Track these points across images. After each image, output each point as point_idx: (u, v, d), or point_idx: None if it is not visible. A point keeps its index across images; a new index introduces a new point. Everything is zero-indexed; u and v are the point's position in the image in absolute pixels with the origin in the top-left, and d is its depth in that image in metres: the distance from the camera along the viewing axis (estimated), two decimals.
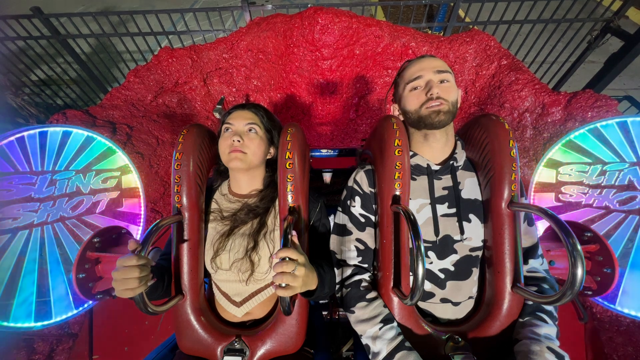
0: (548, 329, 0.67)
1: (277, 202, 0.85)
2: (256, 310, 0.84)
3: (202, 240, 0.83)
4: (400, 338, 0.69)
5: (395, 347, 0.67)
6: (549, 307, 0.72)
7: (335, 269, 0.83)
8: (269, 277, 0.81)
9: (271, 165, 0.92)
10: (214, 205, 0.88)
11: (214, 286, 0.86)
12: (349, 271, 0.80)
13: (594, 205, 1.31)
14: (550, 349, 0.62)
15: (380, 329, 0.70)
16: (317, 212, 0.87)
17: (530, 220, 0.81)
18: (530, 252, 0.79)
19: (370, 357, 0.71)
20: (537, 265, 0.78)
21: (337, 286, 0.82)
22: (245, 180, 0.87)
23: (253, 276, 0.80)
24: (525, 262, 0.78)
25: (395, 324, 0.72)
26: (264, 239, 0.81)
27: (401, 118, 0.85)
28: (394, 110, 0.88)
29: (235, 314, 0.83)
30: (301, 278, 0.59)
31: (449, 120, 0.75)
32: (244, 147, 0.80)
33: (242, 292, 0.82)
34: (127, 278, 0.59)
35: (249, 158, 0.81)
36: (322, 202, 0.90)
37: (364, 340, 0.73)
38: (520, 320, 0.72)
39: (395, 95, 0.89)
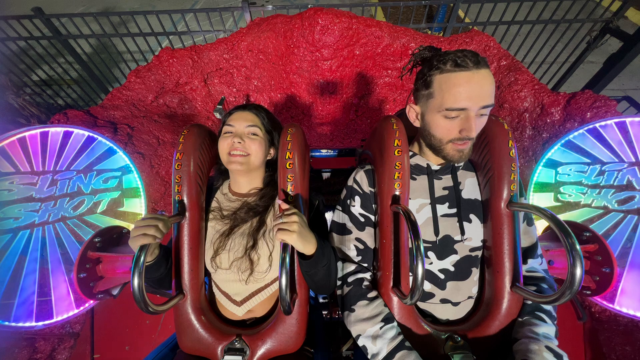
0: (547, 329, 0.68)
1: (276, 201, 0.86)
2: (257, 309, 0.84)
3: (203, 240, 0.84)
4: (401, 337, 0.69)
5: (396, 346, 0.67)
6: (548, 307, 0.72)
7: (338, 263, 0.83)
8: (268, 276, 0.82)
9: (271, 165, 0.92)
10: (214, 204, 0.88)
11: (214, 286, 0.87)
12: (350, 268, 0.80)
13: (593, 205, 1.31)
14: (548, 347, 0.63)
15: (381, 328, 0.70)
16: (314, 210, 0.87)
17: (530, 221, 0.81)
18: (529, 252, 0.79)
19: (369, 357, 0.71)
20: (536, 265, 0.79)
21: (339, 282, 0.81)
22: (245, 181, 0.88)
23: (252, 276, 0.80)
24: (525, 262, 0.78)
25: (395, 323, 0.72)
26: (263, 237, 0.82)
27: (416, 124, 0.78)
28: (411, 111, 0.77)
29: (236, 312, 0.83)
30: (297, 224, 0.64)
31: (468, 158, 0.73)
32: (245, 148, 0.81)
33: (242, 291, 0.82)
34: (148, 225, 0.65)
35: (250, 160, 0.82)
36: (321, 200, 0.90)
37: (362, 341, 0.71)
38: (520, 319, 0.72)
39: (419, 95, 0.74)
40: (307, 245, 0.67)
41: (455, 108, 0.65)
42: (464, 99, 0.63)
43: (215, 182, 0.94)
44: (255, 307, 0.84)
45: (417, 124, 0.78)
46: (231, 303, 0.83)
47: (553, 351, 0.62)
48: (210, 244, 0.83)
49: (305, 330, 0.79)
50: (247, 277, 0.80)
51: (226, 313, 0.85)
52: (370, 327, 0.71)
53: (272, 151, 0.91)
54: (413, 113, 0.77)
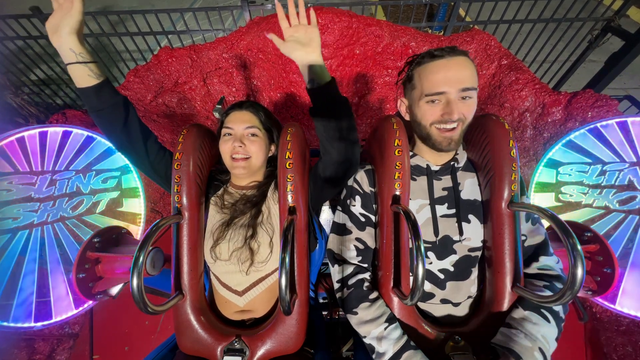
0: (548, 330, 0.65)
1: (270, 192, 0.88)
2: (257, 307, 0.84)
3: (202, 240, 0.83)
4: (406, 338, 0.69)
5: (402, 347, 0.68)
6: (557, 307, 0.68)
7: (336, 265, 0.83)
8: (269, 265, 0.82)
9: (272, 161, 0.94)
10: (216, 194, 0.89)
11: (214, 280, 0.86)
12: (350, 269, 0.80)
13: (594, 205, 1.31)
14: (541, 350, 0.61)
15: (385, 329, 0.70)
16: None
17: (534, 220, 0.80)
18: (541, 249, 0.76)
19: (374, 357, 0.71)
20: (551, 262, 0.75)
21: (338, 285, 0.82)
22: (246, 179, 0.90)
23: (253, 266, 0.81)
24: (536, 259, 0.75)
25: (398, 323, 0.72)
26: (262, 225, 0.83)
27: (407, 117, 0.82)
28: (401, 105, 0.82)
29: (237, 303, 0.82)
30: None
31: (458, 146, 0.73)
32: (246, 151, 0.82)
33: (244, 281, 0.82)
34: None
35: (253, 162, 0.84)
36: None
37: (368, 341, 0.72)
38: (522, 310, 0.68)
39: (406, 89, 0.80)
40: (313, 52, 0.68)
41: (434, 92, 0.69)
42: (441, 83, 0.68)
43: (224, 176, 0.94)
44: (256, 304, 0.83)
45: (407, 117, 0.81)
46: (232, 294, 0.82)
47: (544, 355, 0.61)
48: (210, 234, 0.84)
49: (305, 330, 0.79)
50: (247, 268, 0.80)
51: (227, 307, 0.85)
52: (375, 329, 0.71)
53: (272, 147, 0.92)
54: (403, 107, 0.82)
